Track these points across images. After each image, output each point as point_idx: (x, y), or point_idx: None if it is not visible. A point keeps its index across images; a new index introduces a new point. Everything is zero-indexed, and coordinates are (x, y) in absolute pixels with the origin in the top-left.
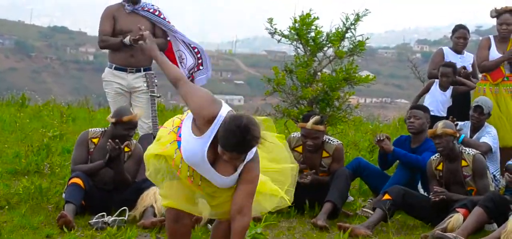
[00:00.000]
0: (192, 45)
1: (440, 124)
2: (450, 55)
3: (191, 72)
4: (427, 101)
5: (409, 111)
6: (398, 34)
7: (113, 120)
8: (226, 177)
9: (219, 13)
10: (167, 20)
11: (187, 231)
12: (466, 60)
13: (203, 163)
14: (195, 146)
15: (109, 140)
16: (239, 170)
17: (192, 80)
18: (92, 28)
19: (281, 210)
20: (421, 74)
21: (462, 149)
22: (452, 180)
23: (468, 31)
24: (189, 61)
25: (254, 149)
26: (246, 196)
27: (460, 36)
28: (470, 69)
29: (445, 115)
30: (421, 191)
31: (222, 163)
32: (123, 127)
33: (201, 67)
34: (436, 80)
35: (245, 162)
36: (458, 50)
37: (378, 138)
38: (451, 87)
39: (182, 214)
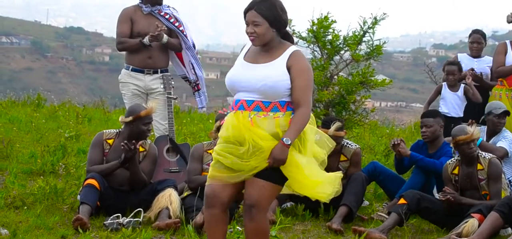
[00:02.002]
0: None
1: (473, 129)
2: (465, 60)
3: (196, 83)
4: (441, 105)
5: (421, 120)
6: (414, 38)
7: (130, 118)
8: (269, 63)
9: (234, 15)
10: (181, 28)
11: (218, 220)
12: (483, 63)
13: (243, 66)
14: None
15: (125, 141)
16: (282, 57)
17: (198, 91)
18: (108, 29)
19: (295, 213)
20: (437, 78)
21: (478, 153)
22: (468, 184)
23: (483, 35)
24: (198, 72)
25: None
26: (302, 90)
27: (473, 41)
28: (488, 72)
29: (462, 116)
30: (437, 195)
31: (258, 58)
32: (142, 122)
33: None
34: (444, 83)
35: (287, 53)
36: (473, 54)
37: (394, 143)
38: (462, 85)
39: (213, 202)
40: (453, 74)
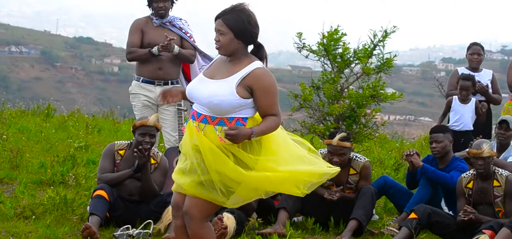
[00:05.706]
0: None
1: (486, 148)
2: None
3: None
4: (452, 118)
5: (430, 135)
6: (423, 52)
7: (132, 129)
8: (221, 80)
9: None
10: (192, 39)
11: (183, 231)
12: (483, 77)
13: (200, 80)
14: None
15: (137, 148)
16: (236, 75)
17: None
18: (117, 39)
19: (305, 227)
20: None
21: (495, 169)
22: (481, 200)
23: (482, 47)
24: None
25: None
26: (270, 107)
27: (474, 53)
28: (490, 86)
29: (472, 129)
30: (445, 209)
31: (216, 72)
32: (138, 132)
33: None
34: (455, 96)
35: (245, 71)
36: (473, 67)
37: (407, 153)
38: (473, 99)
39: (177, 214)
40: (467, 90)
